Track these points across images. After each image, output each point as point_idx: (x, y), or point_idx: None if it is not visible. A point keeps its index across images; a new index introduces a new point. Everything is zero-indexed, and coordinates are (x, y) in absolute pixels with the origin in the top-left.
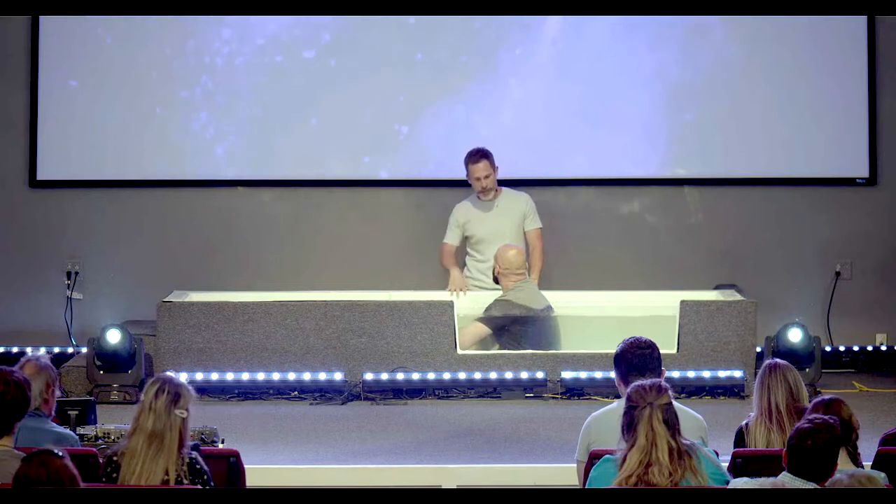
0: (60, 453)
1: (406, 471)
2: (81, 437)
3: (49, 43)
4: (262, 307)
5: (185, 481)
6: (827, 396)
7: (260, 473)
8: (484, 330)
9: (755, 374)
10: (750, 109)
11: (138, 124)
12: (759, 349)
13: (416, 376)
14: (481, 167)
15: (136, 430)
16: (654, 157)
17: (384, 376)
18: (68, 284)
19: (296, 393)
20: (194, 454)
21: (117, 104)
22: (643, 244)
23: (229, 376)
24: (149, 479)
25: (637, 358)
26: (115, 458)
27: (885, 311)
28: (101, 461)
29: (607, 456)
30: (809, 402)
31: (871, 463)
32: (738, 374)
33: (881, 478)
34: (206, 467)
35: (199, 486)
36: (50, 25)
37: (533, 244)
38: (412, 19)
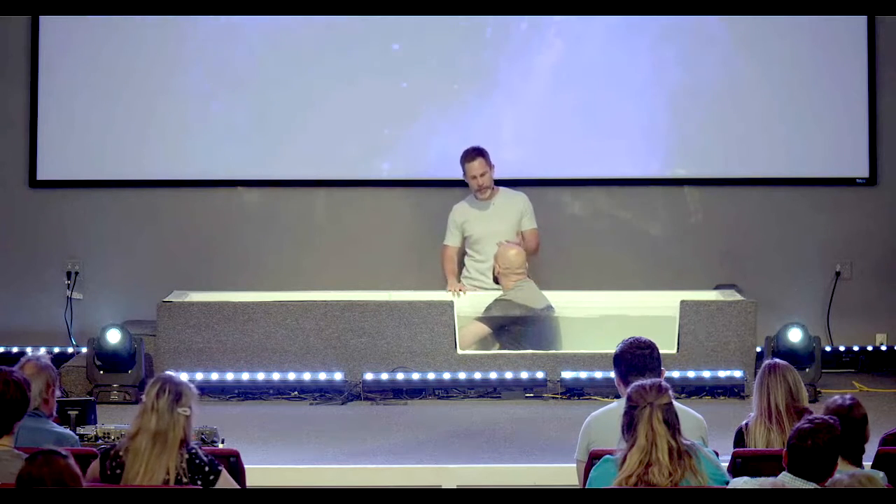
0: (64, 454)
1: (406, 471)
2: (81, 437)
3: (49, 43)
4: (262, 307)
5: (185, 479)
6: (849, 399)
7: (260, 473)
8: (484, 329)
9: (755, 374)
10: (750, 110)
11: (138, 124)
12: (759, 349)
13: (416, 376)
14: (476, 165)
15: (140, 431)
16: (655, 158)
17: (384, 376)
18: (68, 284)
19: (296, 393)
20: (194, 448)
21: (117, 104)
22: (643, 244)
23: (229, 376)
24: (151, 479)
25: (637, 358)
26: (120, 454)
27: (885, 311)
28: (108, 452)
29: (607, 456)
30: (810, 402)
31: (871, 463)
32: (738, 374)
33: (881, 477)
34: (206, 458)
35: (199, 484)
36: (50, 25)
37: (528, 243)
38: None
